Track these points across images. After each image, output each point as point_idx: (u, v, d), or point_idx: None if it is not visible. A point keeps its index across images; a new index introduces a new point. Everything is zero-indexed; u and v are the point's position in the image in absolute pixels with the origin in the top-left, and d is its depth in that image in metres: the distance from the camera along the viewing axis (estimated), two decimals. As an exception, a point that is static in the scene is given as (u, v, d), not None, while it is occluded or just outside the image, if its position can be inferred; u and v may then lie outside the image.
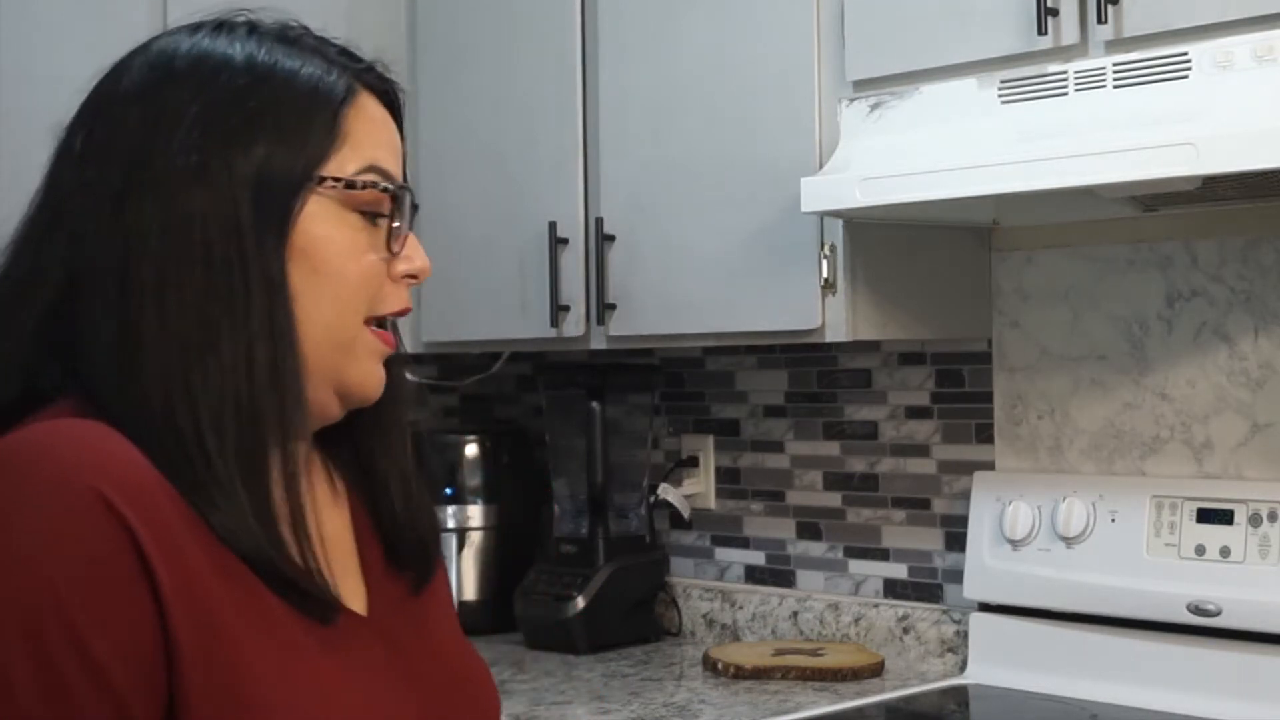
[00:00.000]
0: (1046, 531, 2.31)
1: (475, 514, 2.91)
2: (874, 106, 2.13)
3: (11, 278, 1.02)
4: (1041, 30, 1.95)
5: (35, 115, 2.49)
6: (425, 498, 1.18)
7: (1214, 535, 2.15)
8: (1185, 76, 1.84)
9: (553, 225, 2.54)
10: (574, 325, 2.54)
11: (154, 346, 0.96)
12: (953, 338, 2.49)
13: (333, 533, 1.07)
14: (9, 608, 0.87)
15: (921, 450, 2.58)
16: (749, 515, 2.83)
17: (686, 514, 2.88)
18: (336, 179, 1.04)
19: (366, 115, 1.08)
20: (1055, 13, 1.96)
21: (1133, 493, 2.25)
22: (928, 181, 1.98)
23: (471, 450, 2.95)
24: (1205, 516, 2.17)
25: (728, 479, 2.87)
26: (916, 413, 2.58)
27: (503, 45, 2.69)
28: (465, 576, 2.89)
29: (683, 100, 2.40)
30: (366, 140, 1.07)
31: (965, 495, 2.46)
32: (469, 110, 2.75)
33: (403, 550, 1.15)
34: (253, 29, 1.09)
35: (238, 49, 1.05)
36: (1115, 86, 1.89)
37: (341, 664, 1.02)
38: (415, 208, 1.10)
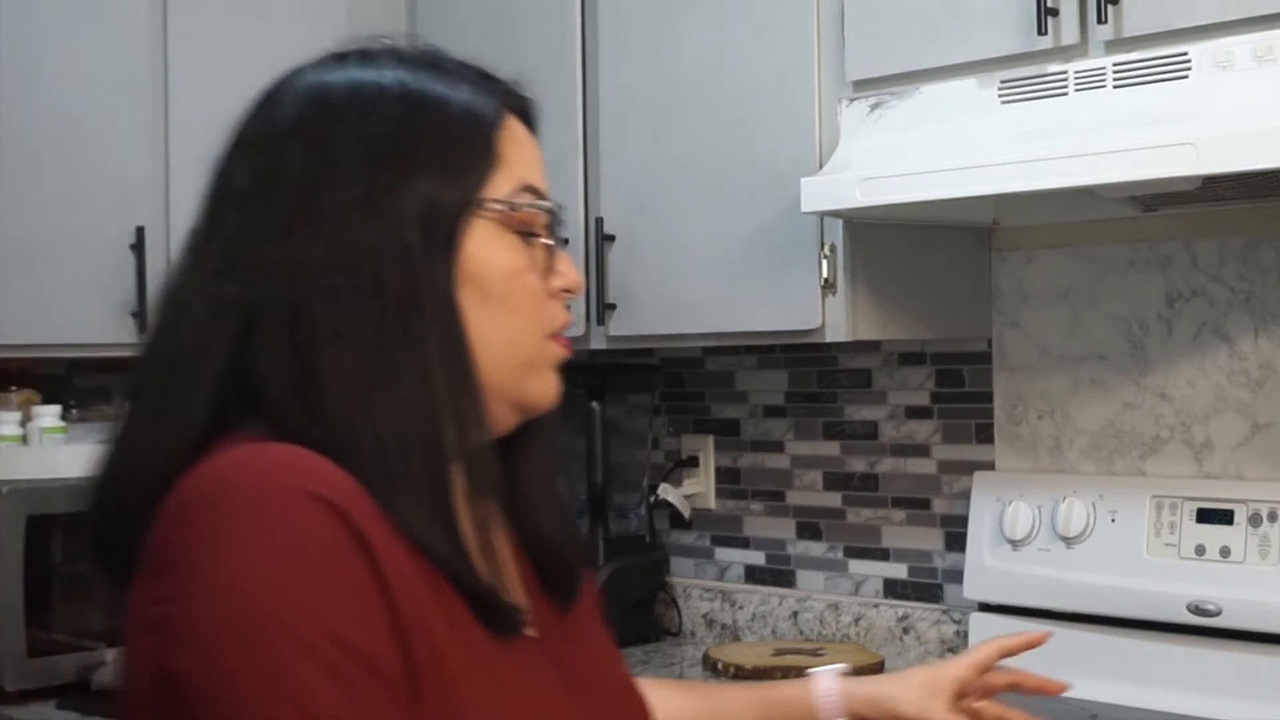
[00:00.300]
0: (1046, 531, 2.31)
1: (475, 514, 2.91)
2: (874, 106, 2.12)
3: (195, 318, 1.01)
4: (1041, 30, 1.95)
5: (35, 115, 2.50)
6: (569, 509, 1.17)
7: (1214, 535, 2.15)
8: (1185, 76, 1.84)
9: (553, 225, 2.54)
10: (574, 325, 2.54)
11: (333, 382, 0.96)
12: (953, 338, 2.49)
13: (500, 550, 1.06)
14: (274, 620, 0.87)
15: (921, 450, 2.58)
16: (749, 515, 2.83)
17: (687, 514, 2.88)
18: (498, 201, 1.05)
19: (515, 136, 1.11)
20: (1055, 13, 1.96)
21: (1133, 493, 2.25)
22: (928, 181, 1.98)
23: (471, 450, 2.95)
24: (1205, 516, 2.17)
25: (728, 479, 2.87)
26: (916, 413, 2.58)
27: (503, 45, 2.69)
28: (465, 576, 2.89)
29: (683, 100, 2.40)
30: (518, 161, 1.09)
31: (965, 495, 2.45)
32: (469, 110, 2.75)
33: (549, 567, 1.13)
34: (397, 56, 1.09)
35: (388, 77, 1.05)
36: (1115, 86, 1.89)
37: (526, 680, 1.03)
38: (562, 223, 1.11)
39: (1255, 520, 2.12)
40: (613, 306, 2.49)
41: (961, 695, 1.45)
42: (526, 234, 1.06)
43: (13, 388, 2.69)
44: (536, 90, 2.67)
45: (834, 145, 2.17)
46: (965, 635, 2.42)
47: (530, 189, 1.08)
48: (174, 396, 0.99)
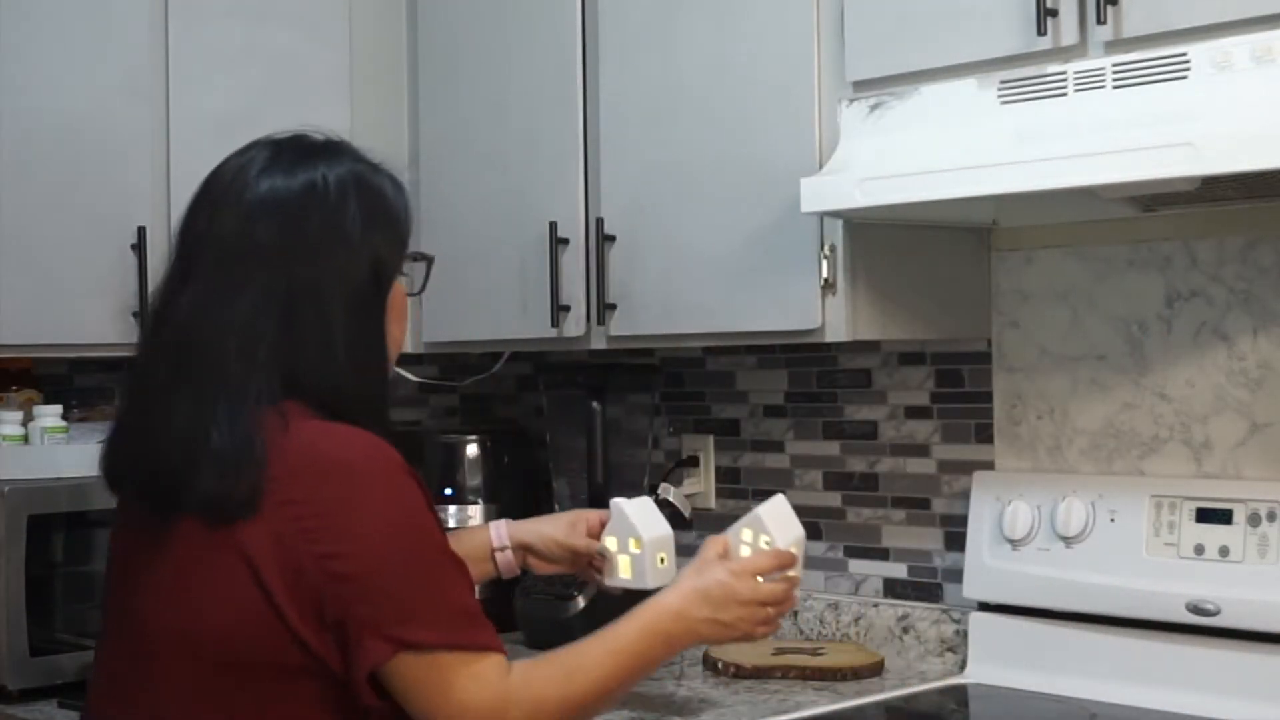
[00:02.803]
0: (1046, 531, 2.31)
1: (475, 514, 2.92)
2: (874, 107, 2.13)
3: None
4: (1041, 31, 1.96)
5: (35, 115, 2.50)
6: None
7: (1213, 535, 2.15)
8: (1184, 77, 1.84)
9: (553, 225, 2.54)
10: (574, 325, 2.55)
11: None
12: (953, 338, 2.49)
13: None
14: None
15: (921, 450, 2.58)
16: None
17: (687, 513, 2.88)
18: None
19: None
20: (1055, 13, 1.96)
21: (1132, 492, 2.25)
22: (928, 181, 1.98)
23: (471, 450, 2.96)
24: (1204, 516, 2.17)
25: (728, 479, 2.87)
26: (916, 413, 2.58)
27: (503, 45, 2.69)
28: (465, 576, 2.89)
29: (683, 101, 2.40)
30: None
31: (965, 495, 2.46)
32: (469, 110, 2.75)
33: None
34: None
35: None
36: (1115, 87, 1.90)
37: None
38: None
39: (1254, 520, 2.12)
40: (613, 306, 2.49)
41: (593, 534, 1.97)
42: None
43: (14, 388, 2.69)
44: (537, 91, 2.70)
45: (834, 145, 2.17)
46: (965, 635, 2.43)
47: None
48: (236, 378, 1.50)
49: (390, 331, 1.59)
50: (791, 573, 1.83)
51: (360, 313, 1.54)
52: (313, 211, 1.53)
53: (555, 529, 1.99)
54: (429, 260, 1.70)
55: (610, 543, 1.94)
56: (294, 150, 1.58)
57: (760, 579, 1.77)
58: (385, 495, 1.48)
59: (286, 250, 1.51)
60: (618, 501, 1.95)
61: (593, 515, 1.98)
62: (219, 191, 1.58)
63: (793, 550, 1.85)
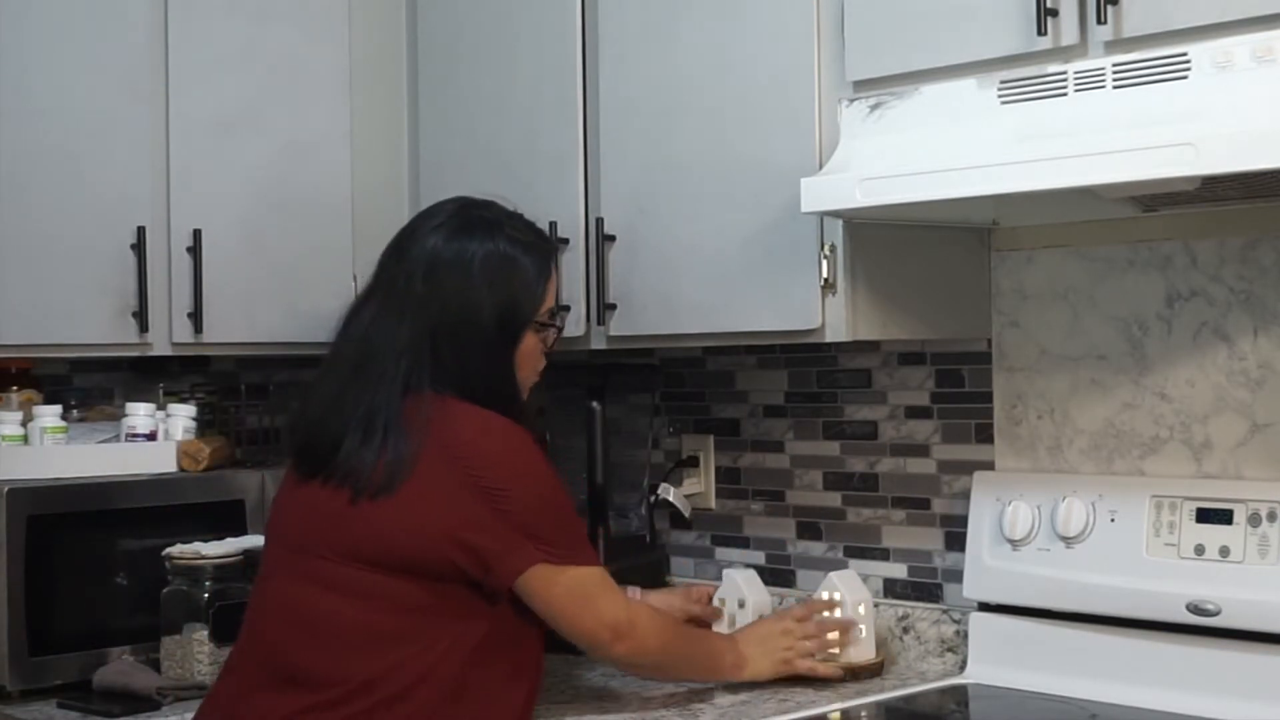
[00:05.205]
0: (1046, 531, 2.31)
1: (475, 514, 2.91)
2: (874, 107, 2.13)
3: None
4: (1041, 31, 1.96)
5: (35, 115, 2.50)
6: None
7: (1213, 535, 2.15)
8: (1185, 77, 1.84)
9: (553, 225, 2.54)
10: (574, 325, 2.54)
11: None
12: (953, 337, 2.49)
13: None
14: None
15: (921, 450, 2.58)
16: (749, 515, 2.83)
17: (687, 513, 2.88)
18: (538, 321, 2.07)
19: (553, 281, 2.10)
20: (1055, 13, 1.96)
21: (1132, 492, 2.25)
22: (928, 181, 1.98)
23: (472, 450, 2.94)
24: (1205, 516, 2.17)
25: (728, 479, 2.87)
26: (916, 413, 2.58)
27: (503, 45, 2.69)
28: (465, 576, 2.89)
29: (683, 100, 2.40)
30: (551, 297, 2.09)
31: (965, 495, 2.46)
32: (469, 110, 2.75)
33: None
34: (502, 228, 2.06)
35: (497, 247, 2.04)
36: (1115, 87, 1.89)
37: None
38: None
39: (1254, 520, 2.12)
40: (613, 306, 2.49)
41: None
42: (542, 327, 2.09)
43: (13, 388, 2.69)
44: (537, 91, 2.73)
45: (834, 145, 2.17)
46: (965, 635, 2.43)
47: (550, 310, 2.09)
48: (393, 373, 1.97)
49: (517, 373, 2.05)
50: (829, 614, 2.40)
51: (487, 351, 1.99)
52: (456, 276, 1.98)
53: (676, 597, 2.50)
54: (558, 329, 2.12)
55: (721, 603, 2.52)
56: (466, 219, 2.02)
57: (796, 621, 2.36)
58: (530, 453, 1.98)
59: (432, 300, 1.97)
60: (730, 572, 2.53)
61: (703, 587, 2.54)
62: (404, 237, 2.05)
63: (859, 609, 2.42)
